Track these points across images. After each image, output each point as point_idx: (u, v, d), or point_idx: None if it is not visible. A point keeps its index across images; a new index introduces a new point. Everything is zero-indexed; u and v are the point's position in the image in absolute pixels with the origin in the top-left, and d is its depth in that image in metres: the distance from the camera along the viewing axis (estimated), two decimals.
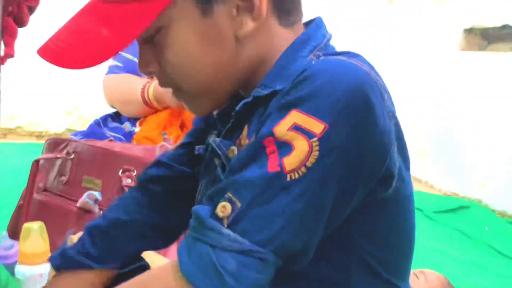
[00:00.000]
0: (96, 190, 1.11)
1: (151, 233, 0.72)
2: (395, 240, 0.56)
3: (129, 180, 1.07)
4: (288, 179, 0.46)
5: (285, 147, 0.46)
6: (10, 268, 1.07)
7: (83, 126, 2.75)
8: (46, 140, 1.23)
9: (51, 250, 1.04)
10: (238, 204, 0.46)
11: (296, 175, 0.46)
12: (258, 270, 0.45)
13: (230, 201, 0.47)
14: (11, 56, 1.17)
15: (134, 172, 1.08)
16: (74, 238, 0.74)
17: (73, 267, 0.69)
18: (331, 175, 0.47)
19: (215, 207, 0.47)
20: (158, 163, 0.75)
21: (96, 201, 1.09)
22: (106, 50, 0.52)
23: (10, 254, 1.07)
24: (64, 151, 1.17)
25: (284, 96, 0.49)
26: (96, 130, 1.51)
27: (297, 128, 0.46)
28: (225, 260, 0.45)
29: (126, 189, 1.06)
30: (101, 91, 1.69)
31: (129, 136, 1.53)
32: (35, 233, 1.02)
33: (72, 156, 1.16)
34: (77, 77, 2.66)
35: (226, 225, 0.46)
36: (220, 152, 0.57)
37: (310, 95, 0.47)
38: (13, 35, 1.19)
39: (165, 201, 0.74)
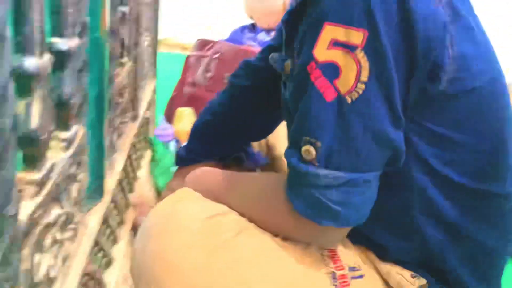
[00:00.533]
0: None
1: (243, 129, 0.81)
2: (463, 139, 0.49)
3: None
4: (350, 101, 0.44)
5: (331, 68, 0.44)
6: (166, 145, 1.30)
7: (223, 37, 2.96)
8: (196, 40, 1.39)
9: None
10: (318, 144, 0.46)
11: (356, 95, 0.44)
12: (361, 192, 0.47)
13: (310, 143, 0.47)
14: None
15: None
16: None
17: (188, 164, 0.82)
18: (388, 78, 0.44)
19: (299, 152, 0.48)
20: (245, 63, 0.83)
21: None
22: None
23: (167, 134, 1.30)
24: (211, 51, 1.33)
25: (314, 7, 0.46)
26: (236, 37, 1.65)
27: (336, 44, 0.44)
28: (330, 195, 0.46)
29: None
30: (238, 7, 1.81)
31: (264, 45, 1.65)
32: (187, 116, 1.22)
33: (217, 55, 1.31)
34: None
35: (316, 165, 0.47)
36: (277, 68, 0.59)
37: (338, 2, 0.44)
38: None
39: (253, 96, 0.80)
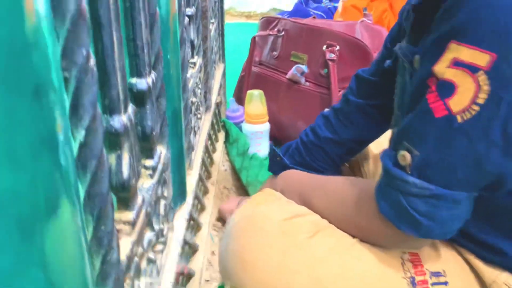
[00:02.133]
0: (302, 64, 1.25)
1: (357, 145, 0.80)
2: None
3: (332, 55, 1.17)
4: (460, 120, 0.43)
5: (446, 87, 0.43)
6: (237, 126, 1.34)
7: (287, 6, 2.91)
8: (260, 19, 1.39)
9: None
10: (416, 152, 0.46)
11: (468, 115, 0.43)
12: (449, 208, 0.46)
13: (408, 149, 0.47)
14: None
15: (336, 47, 1.17)
16: None
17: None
18: (509, 104, 0.42)
19: (396, 155, 0.48)
20: (357, 77, 0.80)
21: (302, 73, 1.24)
22: None
23: (237, 115, 1.33)
24: (275, 29, 1.32)
25: (440, 22, 0.44)
26: (300, 8, 1.62)
27: (457, 64, 0.42)
28: (416, 204, 0.47)
29: (330, 63, 1.17)
30: None
31: (329, 13, 1.61)
32: (256, 98, 1.23)
33: (282, 33, 1.30)
34: None
35: (409, 172, 0.47)
36: (406, 60, 0.57)
37: (467, 22, 0.42)
38: None
39: (367, 113, 0.79)
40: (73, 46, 0.25)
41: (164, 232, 0.53)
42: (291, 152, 0.84)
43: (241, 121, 1.30)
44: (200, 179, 0.84)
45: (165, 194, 0.53)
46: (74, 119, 0.26)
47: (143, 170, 0.46)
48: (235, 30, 2.60)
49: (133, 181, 0.37)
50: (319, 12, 1.58)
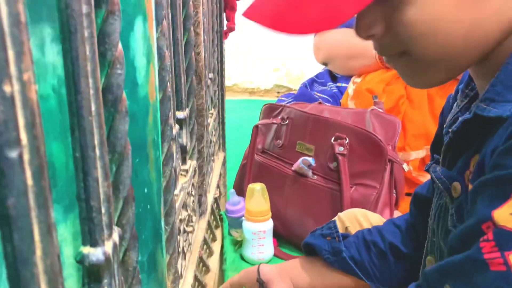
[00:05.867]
0: (309, 155, 1.15)
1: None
2: None
3: (341, 148, 1.07)
4: None
5: (507, 237, 0.38)
6: (237, 221, 1.21)
7: (289, 82, 2.89)
8: (263, 106, 1.31)
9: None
10: None
11: None
12: None
13: None
14: (233, 30, 1.27)
15: (346, 140, 1.08)
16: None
17: (345, 270, 0.70)
18: None
19: None
20: (415, 196, 0.71)
21: (309, 166, 1.13)
22: (341, 11, 0.40)
23: (238, 209, 1.21)
24: (279, 117, 1.24)
25: (505, 157, 0.39)
26: (305, 92, 1.55)
27: None
28: None
29: (339, 156, 1.07)
30: (305, 47, 1.71)
31: (335, 96, 1.53)
32: (258, 193, 1.12)
33: (287, 121, 1.21)
34: (281, 35, 2.76)
35: None
36: (442, 187, 0.50)
37: None
38: (234, 9, 1.28)
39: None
40: None
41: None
42: (347, 243, 0.71)
43: (242, 216, 1.18)
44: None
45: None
46: None
47: None
48: (239, 106, 2.55)
49: None
50: (325, 96, 1.51)
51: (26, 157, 0.20)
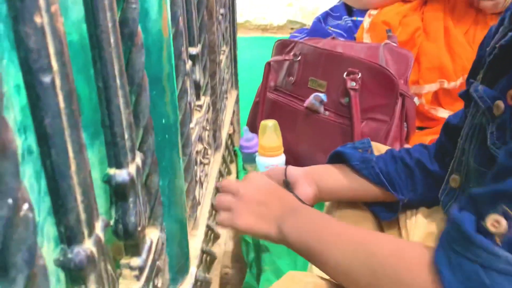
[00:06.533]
0: (321, 91, 1.16)
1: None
2: None
3: (353, 83, 1.08)
4: None
5: None
6: (251, 156, 1.25)
7: (303, 17, 2.82)
8: (275, 42, 1.30)
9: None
10: None
11: None
12: None
13: (505, 215, 0.39)
14: None
15: (358, 74, 1.08)
16: None
17: (372, 178, 0.70)
18: None
19: (483, 218, 0.40)
20: (446, 124, 0.70)
21: (321, 102, 1.14)
22: None
23: (251, 145, 1.24)
24: (291, 53, 1.23)
25: None
26: (318, 27, 1.53)
27: None
28: (501, 284, 0.38)
29: (351, 91, 1.08)
30: None
31: (349, 31, 1.51)
32: (270, 130, 1.15)
33: (299, 58, 1.21)
34: None
35: (499, 243, 0.39)
36: (483, 106, 0.49)
37: None
38: None
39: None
40: None
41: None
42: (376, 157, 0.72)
43: (255, 151, 1.22)
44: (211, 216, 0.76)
45: (159, 284, 0.45)
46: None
47: (127, 271, 0.38)
48: (251, 44, 2.52)
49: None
50: (339, 31, 1.49)
51: (57, 82, 0.23)
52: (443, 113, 1.36)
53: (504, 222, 0.38)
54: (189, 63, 0.65)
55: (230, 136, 1.19)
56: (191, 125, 0.65)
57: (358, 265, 0.47)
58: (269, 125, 1.14)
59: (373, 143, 0.82)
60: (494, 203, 0.39)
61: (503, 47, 0.49)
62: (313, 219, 0.56)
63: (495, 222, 0.39)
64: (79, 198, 0.26)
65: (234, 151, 1.30)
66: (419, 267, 0.42)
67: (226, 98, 1.14)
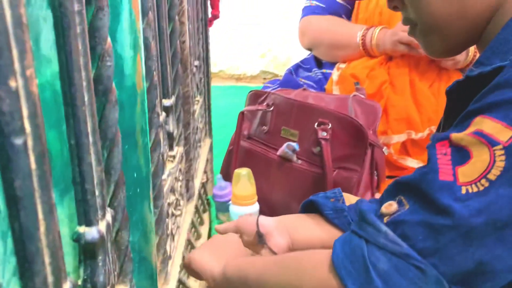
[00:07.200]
0: (293, 141, 1.18)
1: None
2: None
3: (324, 133, 1.10)
4: (464, 192, 0.40)
5: (460, 153, 0.41)
6: (224, 205, 1.24)
7: (275, 68, 2.91)
8: (249, 92, 1.33)
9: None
10: (406, 206, 0.43)
11: (475, 188, 0.40)
12: (411, 280, 0.41)
13: (399, 201, 0.44)
14: (217, 17, 1.29)
15: (329, 125, 1.11)
16: None
17: (345, 228, 0.70)
18: None
19: (382, 204, 0.45)
20: None
21: (294, 151, 1.16)
22: None
23: (225, 194, 1.24)
24: (265, 103, 1.26)
25: (474, 102, 0.43)
26: (290, 79, 1.57)
27: (477, 133, 0.41)
28: (377, 258, 0.42)
29: (322, 141, 1.10)
30: (292, 32, 1.72)
31: (319, 83, 1.56)
32: (244, 178, 1.15)
33: (272, 108, 1.24)
34: (268, 21, 2.77)
35: (385, 221, 0.43)
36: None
37: (502, 102, 0.41)
38: None
39: None
40: None
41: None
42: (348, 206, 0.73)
43: (229, 200, 1.21)
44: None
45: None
46: None
47: None
48: (225, 92, 2.57)
49: None
50: (310, 82, 1.53)
51: (30, 144, 0.23)
52: (412, 163, 1.40)
53: (395, 205, 0.43)
54: (162, 115, 0.66)
55: (203, 185, 1.19)
56: (163, 176, 0.65)
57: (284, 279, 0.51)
58: (243, 174, 1.15)
59: (344, 194, 0.84)
60: (397, 191, 0.45)
61: (447, 93, 0.54)
62: (253, 258, 0.62)
63: (388, 205, 0.44)
64: (47, 260, 0.25)
65: (207, 200, 1.29)
66: (322, 254, 0.47)
67: (200, 146, 1.14)
